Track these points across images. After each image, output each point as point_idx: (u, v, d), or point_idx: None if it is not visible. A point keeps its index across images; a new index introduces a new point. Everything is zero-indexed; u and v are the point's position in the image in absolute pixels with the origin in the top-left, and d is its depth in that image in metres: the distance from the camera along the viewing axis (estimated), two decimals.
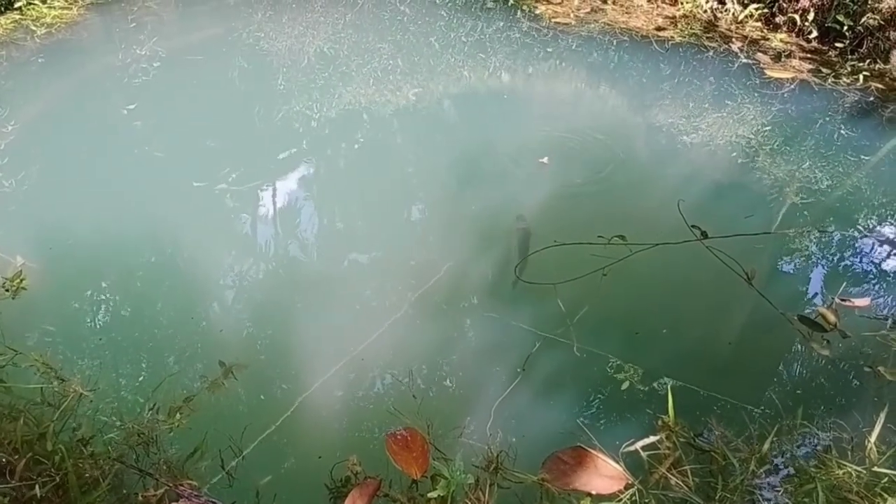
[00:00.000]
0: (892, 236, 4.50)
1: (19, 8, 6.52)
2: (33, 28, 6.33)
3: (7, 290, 3.42)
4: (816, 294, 3.97)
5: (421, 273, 3.85)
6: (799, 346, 3.54)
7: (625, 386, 3.22)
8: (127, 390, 3.10)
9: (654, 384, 3.25)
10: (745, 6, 7.23)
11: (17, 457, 2.49)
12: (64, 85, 5.70)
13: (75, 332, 3.39)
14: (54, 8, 6.70)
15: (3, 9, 6.44)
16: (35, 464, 2.50)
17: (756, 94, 6.03)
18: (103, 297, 3.64)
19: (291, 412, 3.04)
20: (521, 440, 2.92)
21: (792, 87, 6.17)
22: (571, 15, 7.42)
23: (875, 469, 2.73)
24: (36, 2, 6.64)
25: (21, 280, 3.46)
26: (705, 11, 7.37)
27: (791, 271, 4.16)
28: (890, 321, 3.63)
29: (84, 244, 3.89)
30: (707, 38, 6.98)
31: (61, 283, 3.66)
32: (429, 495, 2.54)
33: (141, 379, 3.16)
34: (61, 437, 2.67)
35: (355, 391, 3.19)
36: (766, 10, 7.20)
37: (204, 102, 5.67)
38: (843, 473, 2.73)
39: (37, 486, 2.40)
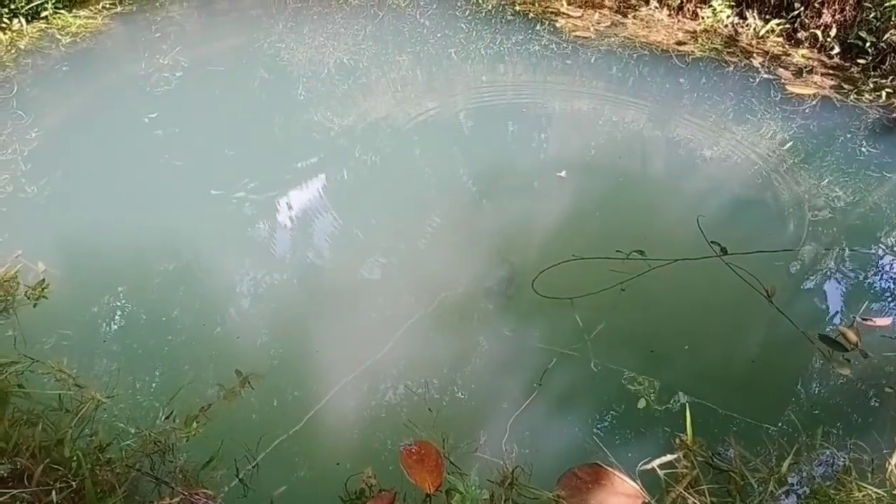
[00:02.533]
0: None
1: (45, 17, 6.62)
2: (59, 37, 6.42)
3: (29, 299, 3.46)
4: (837, 312, 3.92)
5: (437, 285, 3.85)
6: (819, 365, 3.50)
7: (642, 403, 3.20)
8: (144, 396, 3.12)
9: (672, 401, 3.23)
10: (766, 21, 7.20)
11: (34, 462, 2.51)
12: (87, 93, 5.77)
13: (94, 338, 3.42)
14: (79, 17, 6.79)
15: (29, 18, 6.54)
16: (52, 469, 2.51)
17: (777, 110, 6.00)
18: (122, 304, 3.67)
19: (306, 422, 3.04)
20: (536, 455, 2.91)
21: (813, 103, 6.13)
22: (591, 29, 7.42)
23: None
24: (62, 11, 6.74)
25: (43, 289, 3.50)
26: (726, 26, 7.34)
27: (812, 289, 4.11)
28: None
29: (104, 251, 3.93)
30: (728, 52, 6.96)
31: (82, 290, 3.70)
32: None
33: (158, 385, 3.18)
34: (78, 444, 2.69)
35: (370, 402, 3.19)
36: (787, 26, 7.16)
37: (224, 112, 5.72)
38: (863, 496, 2.69)
39: (53, 492, 2.42)
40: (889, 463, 2.83)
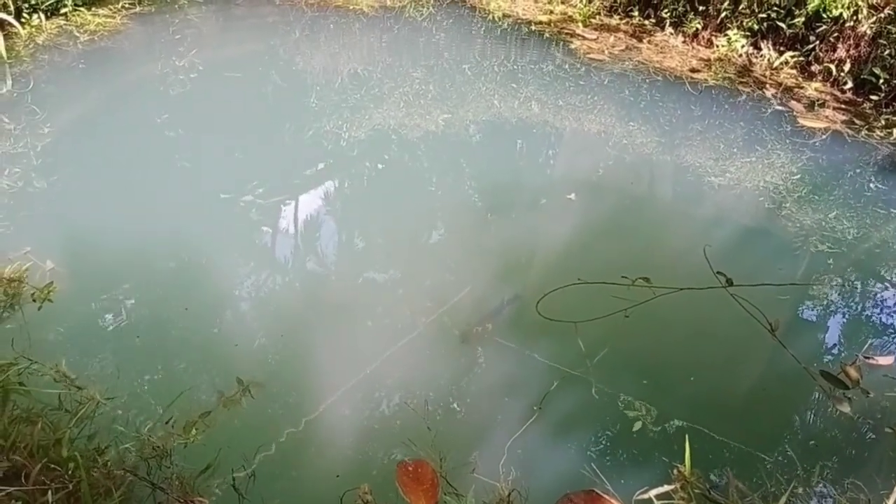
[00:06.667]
0: None
1: (65, 14, 6.68)
2: (77, 34, 6.46)
3: (35, 301, 3.46)
4: (840, 348, 3.92)
5: (439, 299, 3.85)
6: (819, 401, 3.49)
7: (640, 430, 3.19)
8: (143, 400, 3.11)
9: (671, 430, 3.21)
10: (780, 53, 7.23)
11: (32, 461, 2.50)
12: (102, 91, 5.81)
13: (97, 338, 3.42)
14: (98, 15, 6.85)
15: (49, 14, 6.59)
16: (49, 469, 2.51)
17: (787, 142, 6.01)
18: (126, 305, 3.67)
19: (303, 433, 3.03)
20: (533, 479, 2.89)
21: (824, 136, 6.14)
22: (606, 52, 7.45)
23: None
24: (81, 8, 6.80)
25: (49, 292, 3.51)
26: (740, 56, 7.37)
27: (816, 323, 4.11)
28: None
29: (110, 250, 3.94)
30: (741, 82, 6.98)
31: (87, 289, 3.70)
32: None
33: (158, 389, 3.17)
34: (76, 445, 2.68)
35: (366, 415, 3.18)
36: (801, 59, 7.19)
37: (237, 116, 5.75)
38: None
39: (49, 493, 2.41)
40: None
